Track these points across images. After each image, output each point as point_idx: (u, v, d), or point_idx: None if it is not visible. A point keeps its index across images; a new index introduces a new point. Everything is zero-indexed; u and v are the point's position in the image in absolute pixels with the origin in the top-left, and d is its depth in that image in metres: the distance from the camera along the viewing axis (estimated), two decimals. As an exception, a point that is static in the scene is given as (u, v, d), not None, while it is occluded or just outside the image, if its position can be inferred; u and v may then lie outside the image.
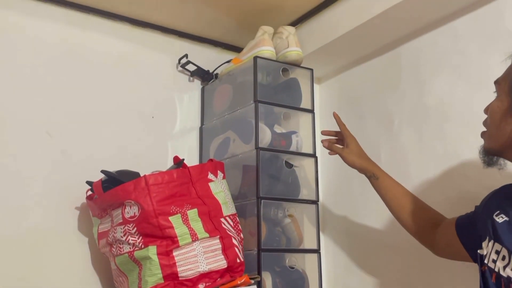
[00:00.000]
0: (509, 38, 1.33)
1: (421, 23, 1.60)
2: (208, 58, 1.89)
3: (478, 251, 0.99)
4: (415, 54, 1.64)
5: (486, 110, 0.99)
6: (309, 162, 1.70)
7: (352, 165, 1.37)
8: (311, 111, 1.71)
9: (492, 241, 0.94)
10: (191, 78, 1.88)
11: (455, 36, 1.51)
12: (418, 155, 1.56)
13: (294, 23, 1.83)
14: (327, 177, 1.89)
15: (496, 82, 0.96)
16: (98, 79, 1.69)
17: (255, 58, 1.65)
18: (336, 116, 1.44)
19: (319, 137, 1.86)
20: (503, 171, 1.00)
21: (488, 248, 0.95)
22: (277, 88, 1.71)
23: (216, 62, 1.87)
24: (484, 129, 1.00)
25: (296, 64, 1.71)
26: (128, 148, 1.69)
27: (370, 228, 1.70)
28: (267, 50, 1.67)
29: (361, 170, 1.36)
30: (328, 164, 1.88)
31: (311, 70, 1.73)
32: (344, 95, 1.80)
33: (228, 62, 1.84)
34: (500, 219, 0.94)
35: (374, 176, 1.32)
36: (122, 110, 1.71)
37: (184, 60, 1.82)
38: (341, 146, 1.41)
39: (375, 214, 1.68)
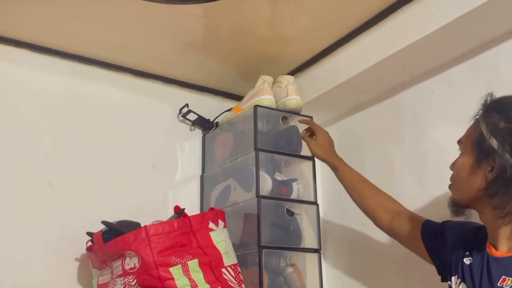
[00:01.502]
0: (504, 86, 1.34)
1: (418, 71, 1.61)
2: (209, 107, 1.91)
3: (448, 282, 1.09)
4: (413, 101, 1.65)
5: (452, 167, 1.09)
6: (310, 209, 1.69)
7: (316, 157, 1.55)
8: (311, 158, 1.72)
9: (459, 279, 1.04)
10: (192, 127, 1.89)
11: (452, 84, 1.52)
12: (420, 202, 1.55)
13: (293, 72, 1.85)
14: (329, 225, 1.87)
15: (459, 142, 1.06)
16: (99, 129, 1.71)
17: (255, 106, 1.67)
18: (301, 121, 1.62)
19: (320, 184, 1.88)
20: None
21: (456, 285, 1.05)
22: (278, 136, 1.72)
23: (217, 111, 1.89)
24: (450, 183, 1.10)
25: (295, 112, 1.73)
26: (129, 198, 1.69)
27: (376, 277, 1.68)
28: (267, 99, 1.69)
29: (324, 162, 1.52)
30: (330, 211, 1.87)
31: (311, 117, 1.75)
32: (345, 142, 1.80)
33: (228, 110, 1.86)
34: (468, 261, 1.04)
35: (334, 167, 1.48)
36: (123, 159, 1.73)
37: (185, 110, 1.83)
38: (312, 138, 1.57)
39: (379, 260, 1.66)
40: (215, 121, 1.88)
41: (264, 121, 1.71)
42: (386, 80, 1.68)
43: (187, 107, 1.82)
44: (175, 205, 1.53)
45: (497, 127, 0.95)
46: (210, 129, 1.88)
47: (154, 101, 1.84)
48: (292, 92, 1.71)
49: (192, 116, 1.85)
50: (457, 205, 1.06)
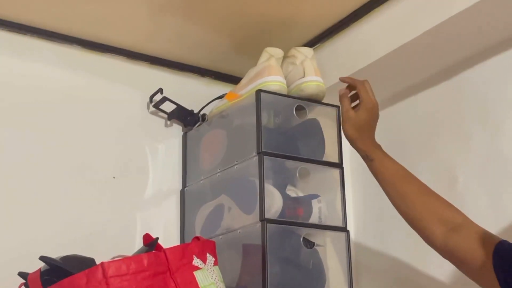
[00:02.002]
0: None
1: (489, 40, 1.61)
2: (192, 93, 1.92)
3: None
4: (482, 84, 1.65)
5: None
6: (337, 238, 1.69)
7: (345, 135, 1.56)
8: (339, 165, 1.72)
9: None
10: (168, 122, 1.90)
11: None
12: (493, 225, 1.53)
13: (312, 43, 1.86)
14: (364, 259, 1.88)
15: None
16: (34, 123, 1.71)
17: (258, 92, 1.66)
18: (343, 79, 1.61)
19: (351, 202, 1.92)
20: None
21: None
22: (290, 134, 1.71)
23: (204, 99, 1.89)
24: None
25: (315, 100, 1.72)
26: (78, 223, 1.69)
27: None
28: (274, 81, 1.68)
29: (354, 146, 1.54)
30: (365, 240, 1.88)
31: (337, 107, 1.72)
32: (385, 141, 1.77)
33: (220, 98, 1.85)
34: None
35: (367, 156, 1.50)
36: (70, 168, 1.73)
37: (158, 97, 1.84)
38: (353, 105, 1.57)
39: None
40: (201, 113, 1.88)
41: (271, 113, 1.72)
42: (443, 54, 1.68)
43: (161, 93, 1.83)
44: (145, 233, 1.52)
45: None
46: (194, 125, 1.88)
47: (114, 84, 1.84)
48: (311, 71, 1.70)
49: (168, 106, 1.85)
50: None
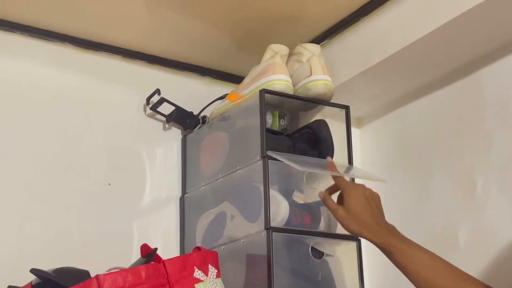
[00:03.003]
0: None
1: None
2: (192, 93, 1.92)
3: None
4: (505, 79, 1.64)
5: None
6: (348, 248, 1.69)
7: (351, 233, 1.45)
8: (349, 166, 1.72)
9: None
10: (167, 125, 1.90)
11: None
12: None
13: (319, 39, 1.85)
14: (376, 270, 1.85)
15: None
16: (26, 125, 1.71)
17: (262, 92, 1.65)
18: (328, 163, 1.57)
19: None
20: None
21: None
22: (297, 137, 1.71)
23: (204, 99, 1.89)
24: None
25: (323, 100, 1.72)
26: (71, 233, 1.69)
27: None
28: (279, 80, 1.68)
29: (366, 239, 1.43)
30: (379, 251, 1.83)
31: (347, 107, 1.75)
32: (397, 144, 1.83)
33: (221, 98, 1.84)
34: None
35: (383, 250, 1.39)
36: (62, 174, 1.73)
37: (155, 98, 1.83)
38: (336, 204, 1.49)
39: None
40: (201, 114, 1.88)
41: (276, 114, 1.71)
42: (461, 49, 1.67)
43: (159, 94, 1.83)
44: (143, 243, 1.51)
45: None
46: (194, 127, 1.88)
47: (109, 85, 1.84)
48: (318, 70, 1.70)
49: (166, 108, 1.85)
50: None
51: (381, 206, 1.47)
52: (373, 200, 1.45)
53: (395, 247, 1.36)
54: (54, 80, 1.77)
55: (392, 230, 1.41)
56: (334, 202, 1.48)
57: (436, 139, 1.81)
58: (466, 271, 1.41)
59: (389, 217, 1.82)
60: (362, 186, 1.47)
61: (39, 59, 1.76)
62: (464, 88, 1.75)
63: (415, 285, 1.34)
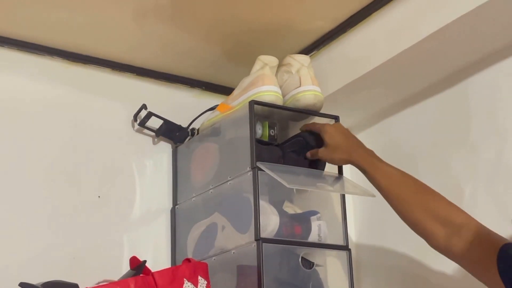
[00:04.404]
0: None
1: (498, 43, 1.61)
2: (181, 105, 1.93)
3: None
4: (489, 91, 1.65)
5: None
6: (338, 257, 1.69)
7: (335, 163, 1.68)
8: (339, 179, 1.73)
9: None
10: (156, 139, 1.90)
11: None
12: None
13: (308, 50, 1.86)
14: (368, 280, 1.88)
15: None
16: (14, 139, 1.71)
17: (252, 103, 1.66)
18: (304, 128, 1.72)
19: (353, 219, 1.92)
20: None
21: None
22: (287, 147, 1.72)
23: (193, 111, 1.89)
24: None
25: (313, 110, 1.73)
26: (60, 246, 1.68)
27: None
28: (269, 91, 1.69)
29: (344, 163, 1.64)
30: (368, 259, 1.87)
31: (336, 117, 1.75)
32: (387, 152, 1.76)
33: (211, 109, 1.85)
34: None
35: (360, 169, 1.57)
36: (51, 187, 1.72)
37: (143, 113, 1.84)
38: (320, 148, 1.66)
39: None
40: (191, 127, 1.89)
41: (265, 125, 1.72)
42: (447, 59, 1.68)
43: (145, 109, 1.83)
44: (132, 255, 1.52)
45: None
46: (184, 140, 1.89)
47: (98, 98, 1.85)
48: (308, 80, 1.71)
49: (155, 122, 1.86)
50: None
51: (353, 135, 1.66)
52: (346, 129, 1.66)
53: (368, 166, 1.53)
54: (43, 94, 1.77)
55: (371, 152, 1.58)
56: (316, 150, 1.66)
57: (423, 148, 1.82)
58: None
59: (380, 229, 1.86)
60: (337, 123, 1.69)
61: (27, 73, 1.76)
62: (450, 98, 1.75)
63: (385, 197, 1.50)
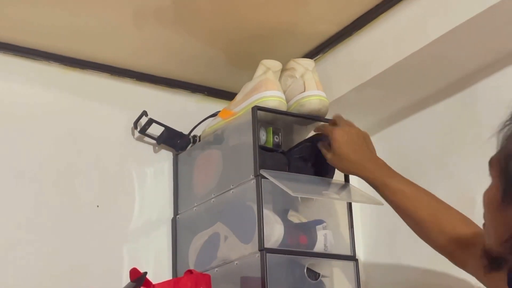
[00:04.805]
0: None
1: (510, 44, 1.61)
2: (183, 111, 1.93)
3: None
4: (501, 92, 1.64)
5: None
6: (345, 268, 1.69)
7: (342, 172, 1.67)
8: (345, 185, 1.73)
9: None
10: (157, 146, 1.89)
11: None
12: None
13: (312, 54, 1.85)
14: None
15: (489, 162, 1.10)
16: (11, 147, 1.71)
17: (255, 108, 1.66)
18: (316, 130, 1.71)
19: (360, 228, 1.91)
20: None
21: None
22: (294, 153, 1.71)
23: (195, 117, 1.89)
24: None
25: (318, 116, 1.73)
26: (59, 257, 1.68)
27: None
28: (272, 96, 1.68)
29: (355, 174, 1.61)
30: (376, 270, 1.87)
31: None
32: (395, 159, 1.75)
33: (213, 116, 1.85)
34: None
35: (372, 185, 1.54)
36: (48, 196, 1.72)
37: (143, 120, 1.83)
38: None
39: None
40: (192, 133, 1.88)
41: (269, 131, 1.71)
42: (457, 62, 1.68)
43: (146, 115, 1.83)
44: (132, 267, 1.52)
45: None
46: (185, 148, 1.88)
47: (97, 104, 1.84)
48: (312, 85, 1.70)
49: (155, 129, 1.85)
50: (489, 256, 1.08)
51: (370, 142, 1.62)
52: (358, 138, 1.60)
53: (381, 182, 1.50)
54: (39, 100, 1.76)
55: (381, 165, 1.55)
56: (327, 148, 1.63)
57: (432, 155, 1.81)
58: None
59: (388, 238, 1.86)
60: (348, 126, 1.63)
61: (23, 78, 1.76)
62: (459, 102, 1.75)
63: (401, 217, 1.49)
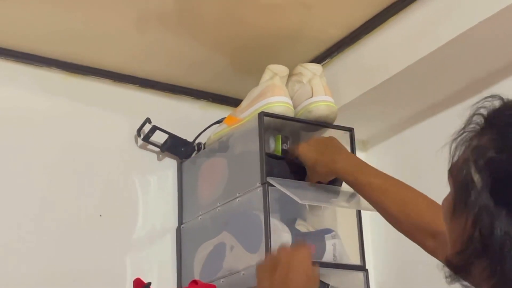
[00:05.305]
0: None
1: None
2: (187, 117, 1.92)
3: None
4: None
5: None
6: (355, 278, 1.69)
7: (326, 182, 1.65)
8: (354, 195, 1.69)
9: None
10: (161, 154, 1.88)
11: None
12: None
13: (320, 59, 1.85)
14: None
15: (449, 170, 1.09)
16: (11, 155, 1.71)
17: (261, 115, 1.66)
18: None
19: (370, 237, 1.91)
20: None
21: None
22: (299, 161, 1.68)
23: (199, 124, 1.88)
24: None
25: (326, 122, 1.72)
26: (61, 267, 1.67)
27: None
28: (279, 102, 1.68)
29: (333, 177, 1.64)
30: (387, 280, 1.86)
31: (351, 130, 1.75)
32: (405, 167, 1.80)
33: (218, 122, 1.84)
34: None
35: (346, 182, 1.56)
36: (48, 205, 1.71)
37: (147, 127, 1.83)
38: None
39: None
40: (197, 141, 1.88)
41: (278, 138, 1.71)
42: (470, 66, 1.68)
43: (149, 123, 1.82)
44: (136, 277, 1.54)
45: (484, 155, 0.93)
46: (190, 156, 1.88)
47: (99, 110, 1.84)
48: (320, 90, 1.70)
49: (159, 137, 1.84)
50: (450, 267, 1.05)
51: (337, 141, 1.62)
52: (321, 141, 1.64)
53: (353, 178, 1.52)
54: (40, 107, 1.76)
55: (352, 160, 1.57)
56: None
57: (445, 163, 1.80)
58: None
59: (399, 247, 1.85)
60: (310, 138, 1.67)
61: (23, 85, 1.76)
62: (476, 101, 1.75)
63: (376, 210, 1.49)
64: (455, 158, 1.00)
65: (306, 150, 1.62)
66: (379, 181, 1.48)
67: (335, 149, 1.60)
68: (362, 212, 1.73)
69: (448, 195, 1.04)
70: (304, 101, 1.70)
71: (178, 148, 1.86)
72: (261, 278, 1.37)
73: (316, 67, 1.73)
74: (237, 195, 1.67)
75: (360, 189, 1.51)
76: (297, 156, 1.64)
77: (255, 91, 1.73)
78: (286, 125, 1.70)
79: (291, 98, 1.71)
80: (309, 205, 1.70)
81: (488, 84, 1.70)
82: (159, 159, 1.88)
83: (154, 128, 1.81)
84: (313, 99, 1.69)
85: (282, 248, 1.43)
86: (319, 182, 1.65)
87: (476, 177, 0.92)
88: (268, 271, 1.42)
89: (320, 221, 1.71)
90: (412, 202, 1.44)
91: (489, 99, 0.98)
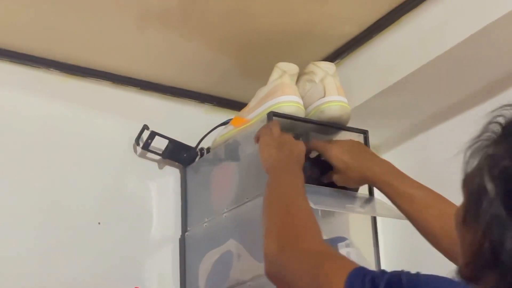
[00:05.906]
0: None
1: None
2: (190, 122, 1.94)
3: None
4: None
5: None
6: None
7: (353, 187, 1.64)
8: (369, 200, 1.70)
9: None
10: (161, 162, 1.89)
11: None
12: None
13: (333, 57, 1.85)
14: None
15: (463, 180, 1.08)
16: (8, 160, 1.71)
17: (270, 114, 1.64)
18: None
19: (384, 245, 1.87)
20: None
21: None
22: (310, 164, 1.67)
23: (203, 129, 1.88)
24: None
25: (339, 123, 1.71)
26: (59, 277, 1.67)
27: None
28: (289, 101, 1.66)
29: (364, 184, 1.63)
30: None
31: (365, 132, 1.74)
32: (422, 172, 1.72)
33: (224, 124, 1.84)
34: None
35: (378, 188, 1.53)
36: (46, 213, 1.71)
37: (145, 134, 1.82)
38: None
39: None
40: (200, 145, 1.88)
41: None
42: (488, 66, 1.67)
43: (147, 129, 1.83)
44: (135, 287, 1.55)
45: (498, 164, 0.91)
46: (192, 162, 1.88)
47: (98, 113, 1.85)
48: (333, 90, 1.68)
49: (159, 142, 1.84)
50: (459, 277, 1.03)
51: (366, 147, 1.65)
52: (354, 145, 1.61)
53: (389, 186, 1.48)
54: (38, 110, 1.77)
55: (387, 166, 1.53)
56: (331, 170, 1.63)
57: (461, 171, 1.78)
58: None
59: (415, 256, 1.83)
60: (340, 141, 1.64)
61: (21, 86, 1.76)
62: (493, 107, 1.70)
63: (411, 223, 1.47)
64: (470, 167, 0.98)
65: (339, 153, 1.59)
66: (421, 194, 1.47)
67: (369, 155, 1.60)
68: (377, 218, 1.73)
69: (459, 206, 1.03)
70: (316, 101, 1.68)
71: (180, 154, 1.87)
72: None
73: (329, 66, 1.72)
74: (246, 199, 1.66)
75: (397, 200, 1.48)
76: (327, 156, 1.61)
77: (264, 90, 1.72)
78: (297, 126, 1.68)
79: (302, 98, 1.69)
80: (320, 211, 1.65)
81: (505, 86, 1.70)
82: (160, 165, 1.89)
83: (153, 134, 1.83)
84: (326, 99, 1.67)
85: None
86: (343, 188, 1.64)
87: (489, 186, 0.89)
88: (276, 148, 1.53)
89: (333, 228, 1.70)
90: (441, 202, 1.43)
91: (508, 107, 0.95)
